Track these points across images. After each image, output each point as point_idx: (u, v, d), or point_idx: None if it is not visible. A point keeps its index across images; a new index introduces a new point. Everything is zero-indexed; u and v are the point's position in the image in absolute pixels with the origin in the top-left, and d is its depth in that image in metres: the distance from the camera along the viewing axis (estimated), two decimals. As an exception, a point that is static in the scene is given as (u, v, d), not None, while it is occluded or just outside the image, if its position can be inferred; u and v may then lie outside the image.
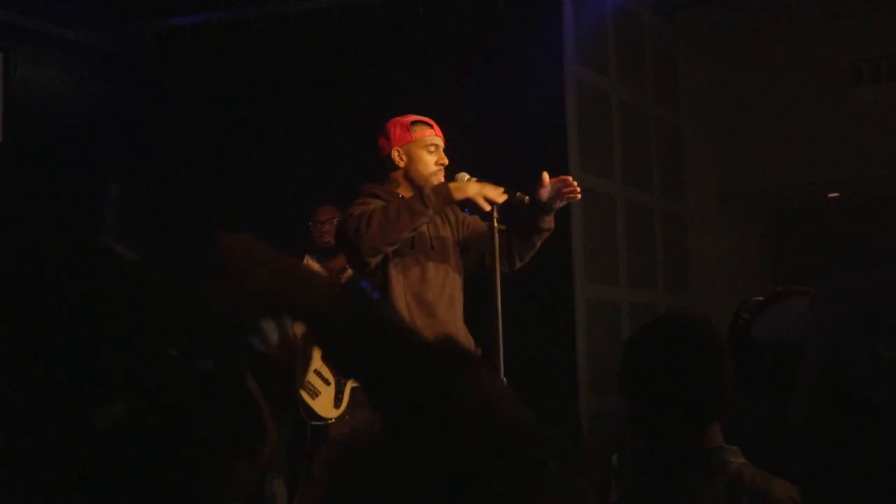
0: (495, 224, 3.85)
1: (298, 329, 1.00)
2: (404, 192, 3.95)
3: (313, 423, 5.47)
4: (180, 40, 6.86)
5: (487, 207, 3.77)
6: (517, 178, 5.10)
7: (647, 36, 7.29)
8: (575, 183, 3.90)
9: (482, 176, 3.97)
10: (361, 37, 6.48)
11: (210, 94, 6.92)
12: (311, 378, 5.46)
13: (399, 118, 4.02)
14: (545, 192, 3.86)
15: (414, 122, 3.98)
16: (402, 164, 3.96)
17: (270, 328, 0.97)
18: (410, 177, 3.95)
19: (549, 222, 3.96)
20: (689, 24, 7.59)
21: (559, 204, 3.92)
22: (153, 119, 7.03)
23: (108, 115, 7.12)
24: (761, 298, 2.14)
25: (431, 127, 3.99)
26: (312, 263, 5.62)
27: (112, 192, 6.56)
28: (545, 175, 3.89)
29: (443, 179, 3.94)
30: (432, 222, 3.89)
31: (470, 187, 3.75)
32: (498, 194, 3.75)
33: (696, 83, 7.97)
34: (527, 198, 3.87)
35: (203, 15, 6.81)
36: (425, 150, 3.95)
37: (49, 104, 6.92)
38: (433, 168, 3.94)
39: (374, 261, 3.76)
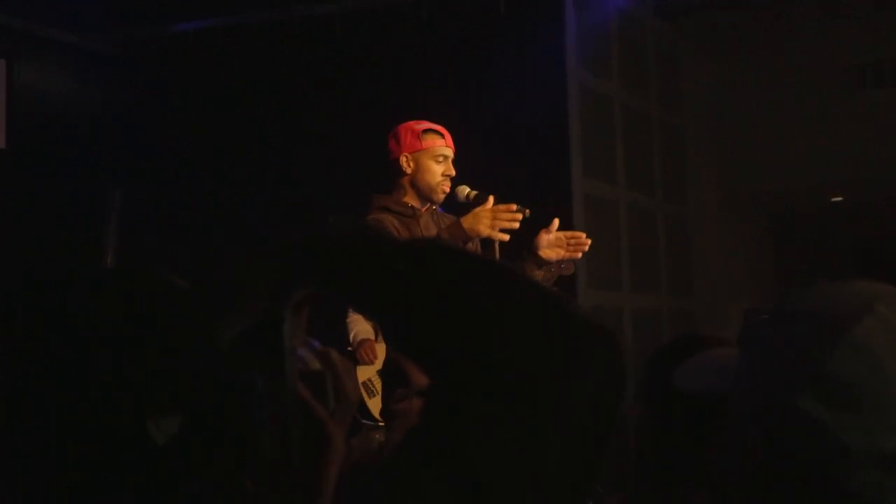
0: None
1: (334, 353, 1.01)
2: (411, 199, 3.96)
3: (364, 420, 5.51)
4: (183, 45, 6.87)
5: (506, 237, 3.72)
6: (519, 183, 5.10)
7: (650, 39, 7.28)
8: (587, 242, 3.83)
9: (484, 185, 3.97)
10: (363, 42, 6.48)
11: (213, 99, 6.92)
12: (374, 378, 5.50)
13: (412, 123, 4.01)
14: (545, 240, 3.81)
15: (426, 131, 3.98)
16: (408, 171, 3.96)
17: (308, 355, 0.99)
18: (417, 184, 3.95)
19: (537, 276, 3.86)
20: (691, 27, 7.59)
21: (553, 257, 3.84)
22: (156, 124, 7.03)
23: (111, 120, 7.13)
24: (766, 317, 2.13)
25: (443, 137, 3.99)
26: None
27: (115, 196, 6.56)
28: (555, 222, 3.84)
29: (448, 190, 3.95)
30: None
31: (482, 225, 3.68)
32: (510, 218, 3.68)
33: (698, 86, 7.96)
34: (527, 210, 3.86)
35: (206, 20, 6.82)
36: (433, 159, 3.95)
37: (52, 109, 6.93)
38: (439, 178, 3.94)
39: None
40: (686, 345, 2.14)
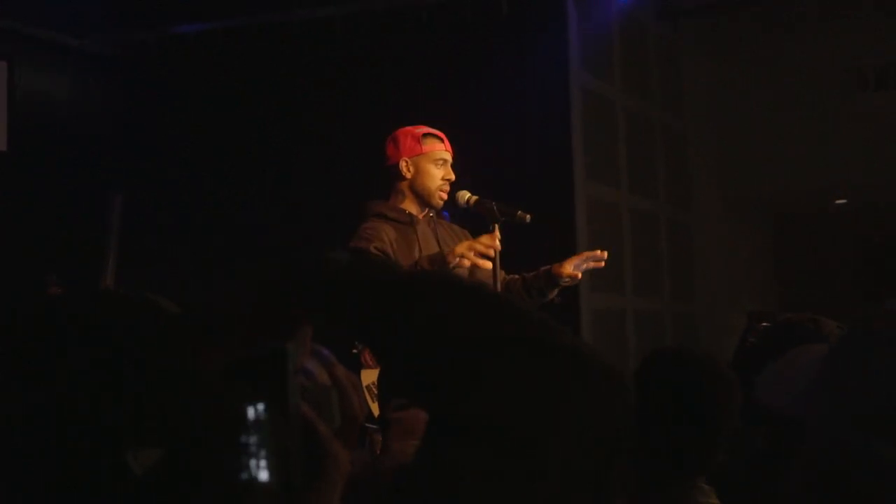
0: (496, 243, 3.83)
1: (339, 369, 0.99)
2: (409, 205, 3.92)
3: (367, 424, 5.49)
4: (184, 48, 6.85)
5: (487, 265, 3.70)
6: (521, 187, 5.09)
7: (652, 43, 7.27)
8: (604, 255, 3.92)
9: (486, 189, 3.94)
10: (364, 45, 6.46)
11: (213, 101, 6.91)
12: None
13: (410, 128, 3.98)
14: (570, 269, 3.84)
15: (425, 135, 3.95)
16: (408, 176, 3.92)
17: (316, 367, 0.97)
18: (416, 189, 3.92)
19: (555, 294, 3.97)
20: (692, 29, 7.57)
21: (578, 276, 3.93)
22: (157, 126, 7.02)
23: (111, 122, 7.12)
24: (767, 325, 2.10)
25: (442, 141, 3.96)
26: None
27: (115, 199, 6.55)
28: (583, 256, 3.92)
29: (446, 196, 3.92)
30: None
31: (458, 249, 3.67)
32: (489, 243, 3.67)
33: (700, 88, 7.94)
34: (528, 217, 3.84)
35: (206, 22, 6.80)
36: (434, 164, 3.91)
37: (53, 111, 6.92)
38: (439, 182, 3.90)
39: None
40: (777, 327, 2.05)
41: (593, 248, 5.71)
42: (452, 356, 0.83)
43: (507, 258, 3.87)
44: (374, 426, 5.47)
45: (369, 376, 5.58)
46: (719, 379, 2.01)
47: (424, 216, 3.95)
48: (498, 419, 0.79)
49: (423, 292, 0.88)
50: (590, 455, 0.81)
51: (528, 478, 0.78)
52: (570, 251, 5.82)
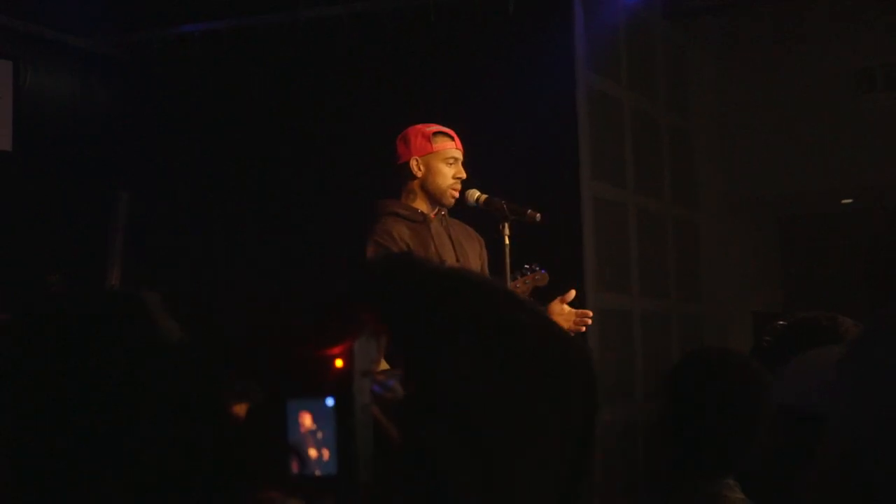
0: (506, 241, 3.83)
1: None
2: (421, 204, 3.91)
3: None
4: (189, 47, 6.84)
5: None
6: (528, 186, 5.07)
7: (659, 43, 7.25)
8: (590, 316, 3.99)
9: (492, 188, 3.94)
10: (371, 44, 6.46)
11: (219, 101, 6.90)
12: None
13: (421, 126, 3.97)
14: (556, 308, 3.92)
15: (436, 133, 3.94)
16: (419, 175, 3.92)
17: (396, 385, 0.98)
18: (427, 188, 3.91)
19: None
20: (700, 30, 7.56)
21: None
22: (162, 126, 7.01)
23: (117, 123, 7.11)
24: (783, 323, 2.09)
25: (452, 139, 3.96)
26: None
27: (121, 199, 6.55)
28: (571, 293, 3.94)
29: (457, 194, 3.91)
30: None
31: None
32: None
33: (707, 89, 7.93)
34: (537, 216, 3.84)
35: (212, 22, 6.80)
36: (445, 162, 3.91)
37: (58, 111, 6.91)
38: (451, 181, 3.90)
39: None
40: (793, 325, 2.05)
41: (599, 248, 5.75)
42: (424, 334, 0.84)
43: (513, 257, 3.87)
44: None
45: None
46: (753, 378, 2.02)
47: (436, 215, 3.94)
48: (468, 398, 0.80)
49: (458, 290, 0.88)
50: (559, 434, 0.82)
51: (499, 456, 0.79)
52: (576, 250, 5.84)
